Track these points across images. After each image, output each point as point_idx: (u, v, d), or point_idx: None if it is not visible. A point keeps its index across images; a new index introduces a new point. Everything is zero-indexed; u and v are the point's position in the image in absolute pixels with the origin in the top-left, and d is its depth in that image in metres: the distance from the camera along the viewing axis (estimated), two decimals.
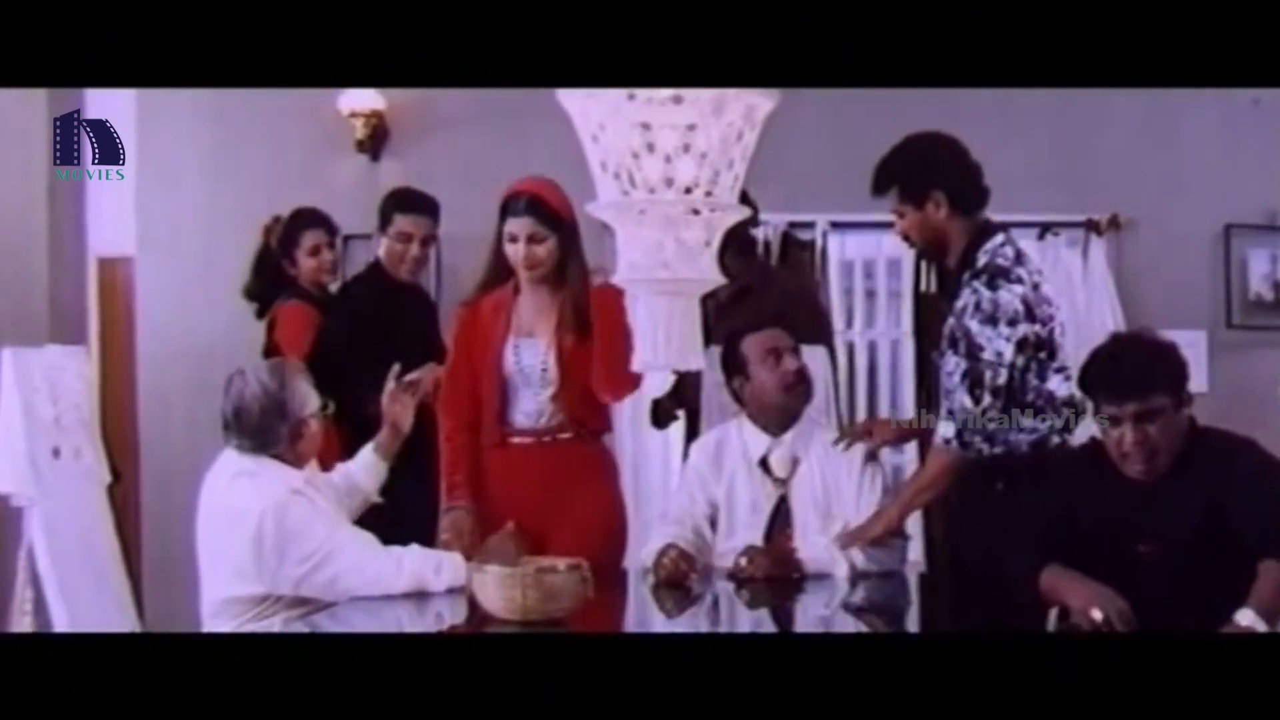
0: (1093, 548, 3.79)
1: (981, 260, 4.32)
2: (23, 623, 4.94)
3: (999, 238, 4.39)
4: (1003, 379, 4.22)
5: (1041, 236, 7.22)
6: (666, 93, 3.19)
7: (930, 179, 4.42)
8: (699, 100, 3.20)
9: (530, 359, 4.72)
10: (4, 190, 5.76)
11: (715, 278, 3.42)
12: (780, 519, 4.67)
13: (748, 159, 3.32)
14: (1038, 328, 4.26)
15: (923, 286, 7.16)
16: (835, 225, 7.22)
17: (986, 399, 4.22)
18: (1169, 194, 7.24)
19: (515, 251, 4.67)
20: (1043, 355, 4.27)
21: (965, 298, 4.28)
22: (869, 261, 7.51)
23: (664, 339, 3.30)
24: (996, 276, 4.27)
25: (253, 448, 4.13)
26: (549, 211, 4.64)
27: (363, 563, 4.05)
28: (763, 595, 4.36)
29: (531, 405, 4.75)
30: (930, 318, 7.10)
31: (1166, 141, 7.27)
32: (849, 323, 7.48)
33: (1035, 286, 4.32)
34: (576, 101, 3.28)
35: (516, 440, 4.72)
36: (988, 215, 4.47)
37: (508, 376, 4.74)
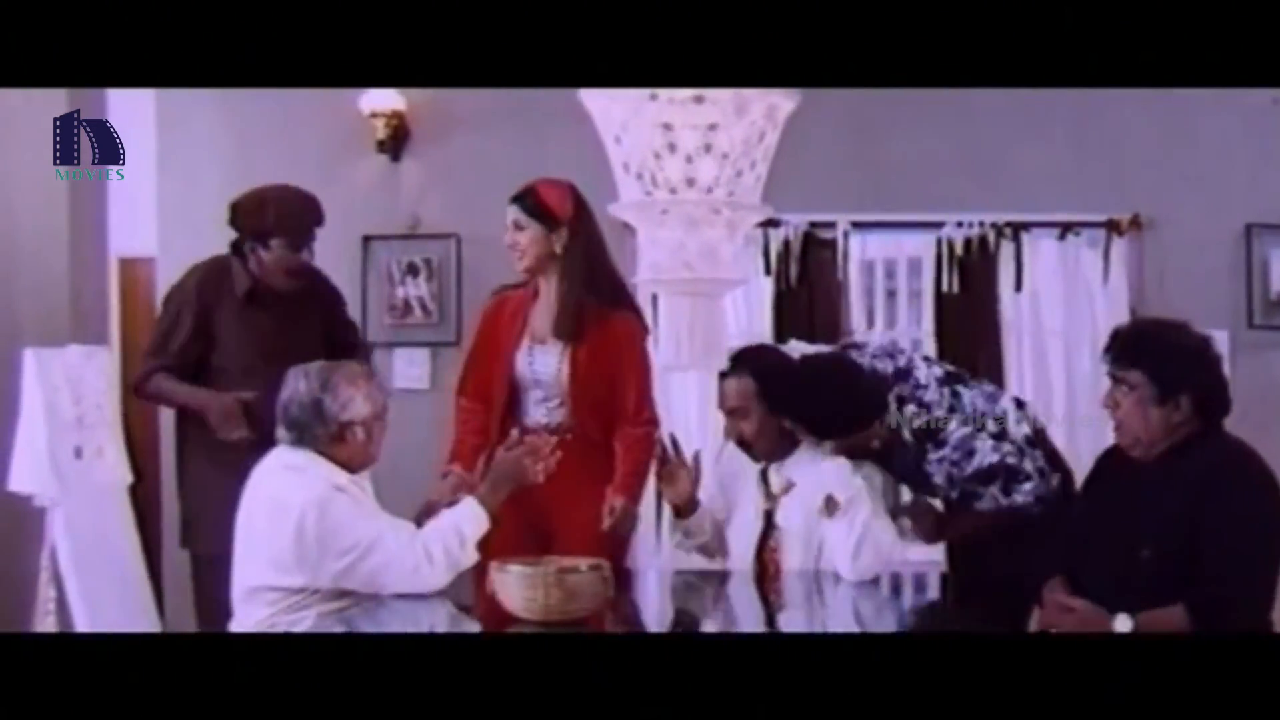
0: (1098, 545, 3.89)
1: (905, 434, 4.71)
2: (46, 622, 4.95)
3: (892, 399, 4.72)
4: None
5: (1062, 236, 7.21)
6: (688, 93, 3.20)
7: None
8: (720, 100, 3.20)
9: (544, 365, 4.80)
10: (25, 190, 5.77)
11: (737, 277, 3.42)
12: (768, 533, 4.72)
13: (769, 159, 3.32)
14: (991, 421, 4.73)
15: (944, 287, 7.15)
16: (856, 225, 7.18)
17: (1031, 465, 4.66)
18: (1190, 194, 7.20)
19: (509, 241, 4.86)
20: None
21: (940, 470, 4.69)
22: (890, 261, 7.51)
23: (687, 339, 3.31)
24: (935, 434, 4.69)
25: (292, 440, 4.17)
26: (535, 202, 4.80)
27: (400, 559, 4.08)
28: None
29: (541, 408, 4.83)
30: (952, 318, 7.11)
31: (1187, 141, 7.24)
32: (870, 323, 7.47)
33: None
34: (598, 102, 3.29)
35: (526, 438, 4.73)
36: None
37: (519, 379, 4.82)
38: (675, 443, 4.77)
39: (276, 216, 5.20)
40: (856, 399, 4.64)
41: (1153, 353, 3.84)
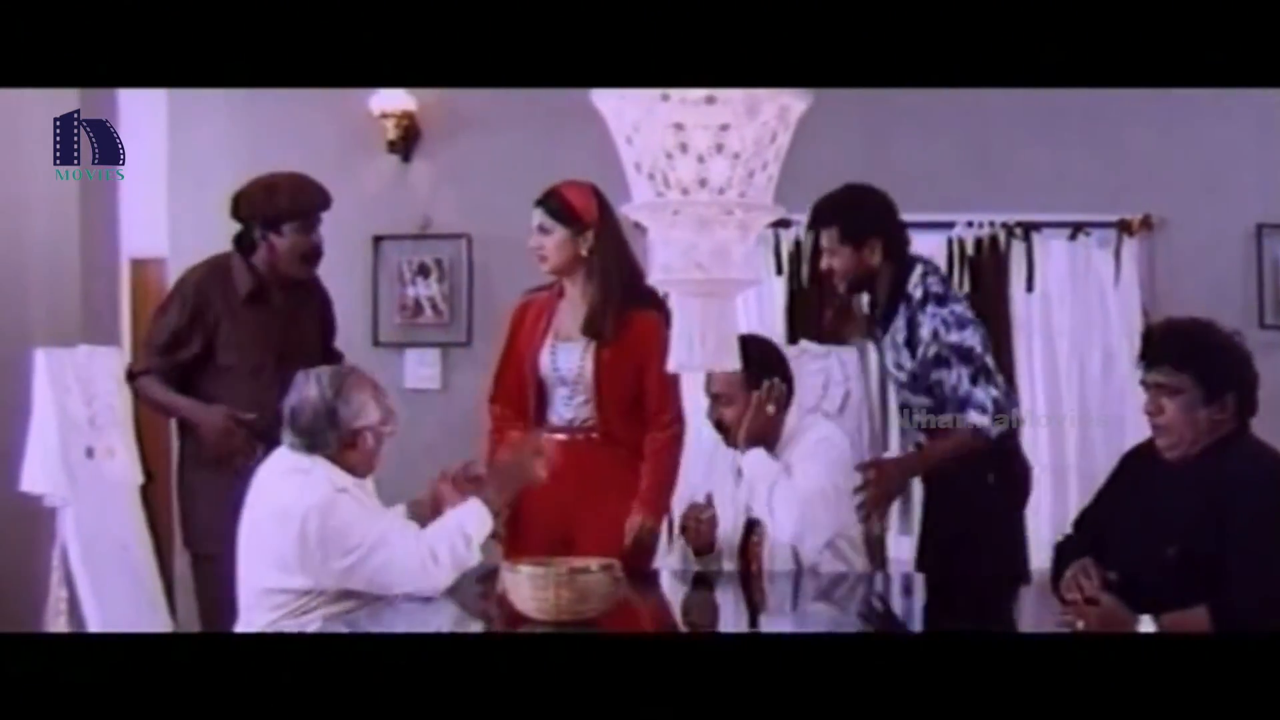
0: (1122, 543, 3.89)
1: (917, 293, 4.90)
2: (57, 623, 4.95)
3: (918, 269, 4.97)
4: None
5: (1073, 237, 7.22)
6: (700, 93, 3.19)
7: (871, 227, 4.94)
8: (732, 100, 3.20)
9: (566, 362, 4.80)
10: (36, 191, 5.78)
11: (749, 278, 3.42)
12: (752, 528, 4.73)
13: (781, 159, 3.32)
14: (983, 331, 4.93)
15: (953, 286, 7.15)
16: None
17: (1002, 381, 4.85)
18: (1201, 194, 7.21)
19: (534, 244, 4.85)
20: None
21: (930, 323, 4.84)
22: None
23: (699, 340, 3.30)
24: (944, 299, 4.90)
25: (302, 446, 4.16)
26: (560, 205, 4.82)
27: (405, 556, 4.09)
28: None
29: (567, 407, 4.83)
30: None
31: (1198, 141, 7.24)
32: None
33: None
34: (610, 102, 3.28)
35: (529, 437, 4.74)
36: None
37: (544, 378, 4.83)
38: (709, 499, 4.78)
39: (290, 200, 5.24)
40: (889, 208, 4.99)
41: (1197, 354, 3.82)
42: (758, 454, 4.65)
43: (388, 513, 4.28)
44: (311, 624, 3.95)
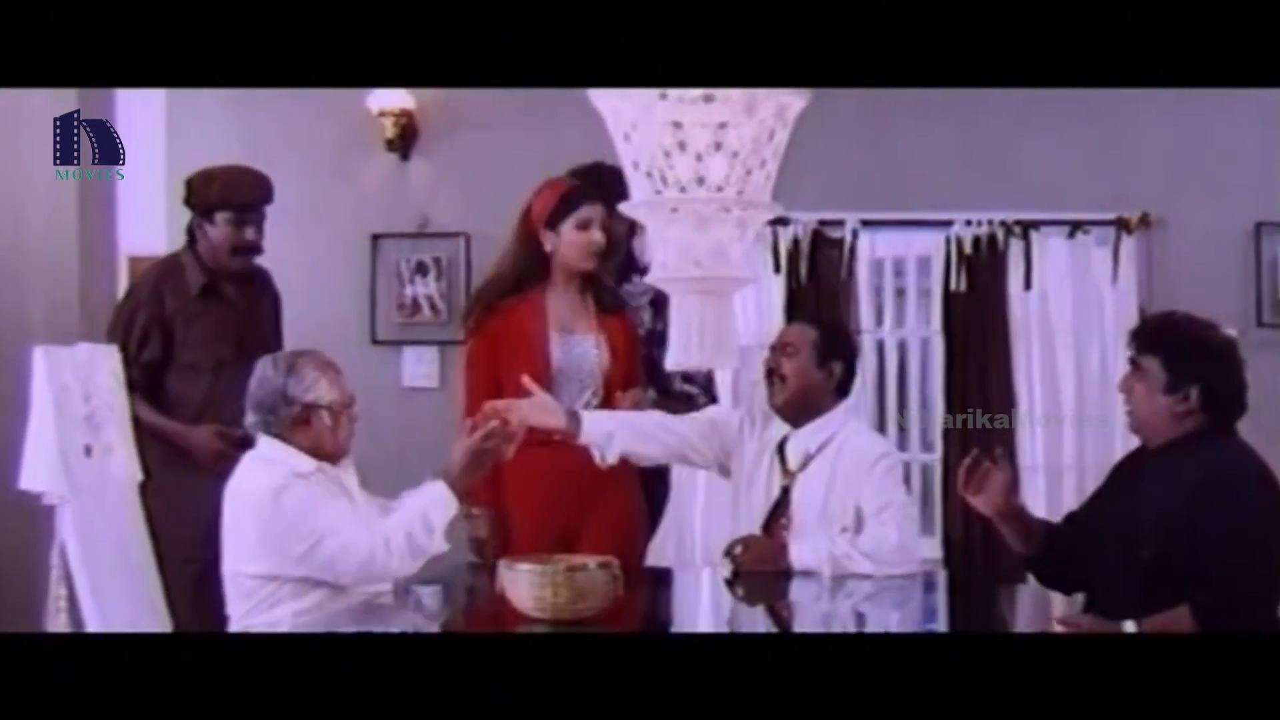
0: (1103, 544, 3.94)
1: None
2: (57, 621, 4.95)
3: None
4: None
5: (1071, 235, 7.22)
6: (698, 91, 3.20)
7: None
8: (730, 99, 3.20)
9: (581, 353, 4.75)
10: (35, 190, 5.78)
11: (747, 276, 3.42)
12: (781, 510, 4.64)
13: (779, 157, 3.32)
14: None
15: (953, 285, 7.16)
16: (865, 223, 7.21)
17: None
18: (1199, 192, 7.21)
19: (586, 240, 4.75)
20: None
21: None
22: (899, 260, 7.52)
23: (697, 338, 3.30)
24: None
25: (260, 425, 4.19)
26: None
27: (356, 544, 4.03)
28: (755, 591, 4.45)
29: (575, 400, 4.74)
30: (960, 316, 7.12)
31: (1197, 140, 7.24)
32: (879, 321, 7.49)
33: None
34: (608, 101, 3.28)
35: (555, 438, 4.68)
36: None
37: (555, 374, 4.73)
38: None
39: (221, 189, 5.25)
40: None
41: (1170, 342, 3.88)
42: (810, 546, 4.50)
43: (353, 500, 4.25)
44: (281, 619, 3.96)
